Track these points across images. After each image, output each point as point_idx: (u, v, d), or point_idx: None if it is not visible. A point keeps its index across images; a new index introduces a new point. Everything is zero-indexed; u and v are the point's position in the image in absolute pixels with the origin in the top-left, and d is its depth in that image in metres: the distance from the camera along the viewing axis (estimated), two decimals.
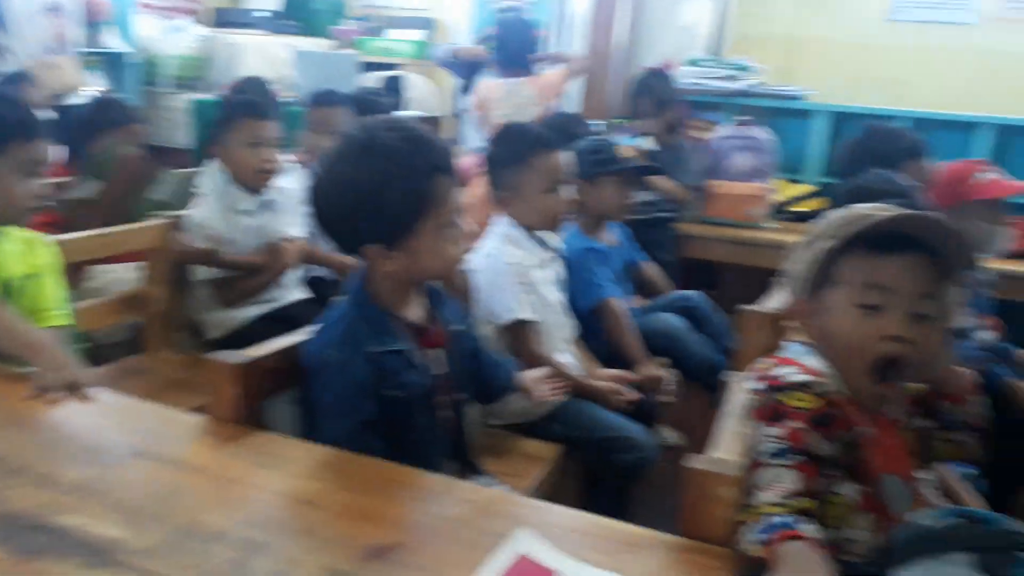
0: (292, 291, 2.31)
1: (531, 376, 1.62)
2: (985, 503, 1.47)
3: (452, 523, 0.98)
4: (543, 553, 0.92)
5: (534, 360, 1.83)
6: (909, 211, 1.03)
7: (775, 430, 0.99)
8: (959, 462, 1.74)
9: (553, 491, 1.89)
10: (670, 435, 2.74)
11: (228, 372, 1.17)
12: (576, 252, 2.18)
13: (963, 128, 3.51)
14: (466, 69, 4.15)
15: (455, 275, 1.41)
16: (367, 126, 1.23)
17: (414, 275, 1.27)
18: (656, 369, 2.15)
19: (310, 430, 1.23)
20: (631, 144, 3.08)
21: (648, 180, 3.05)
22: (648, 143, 3.19)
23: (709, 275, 4.04)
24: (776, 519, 0.87)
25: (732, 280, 3.54)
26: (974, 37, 3.97)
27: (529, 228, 1.94)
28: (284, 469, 1.08)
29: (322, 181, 1.23)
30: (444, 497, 1.04)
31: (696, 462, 0.94)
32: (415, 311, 1.31)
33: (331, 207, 1.23)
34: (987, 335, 2.23)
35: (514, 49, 3.63)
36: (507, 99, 3.55)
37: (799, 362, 1.09)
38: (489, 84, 3.67)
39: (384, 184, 1.17)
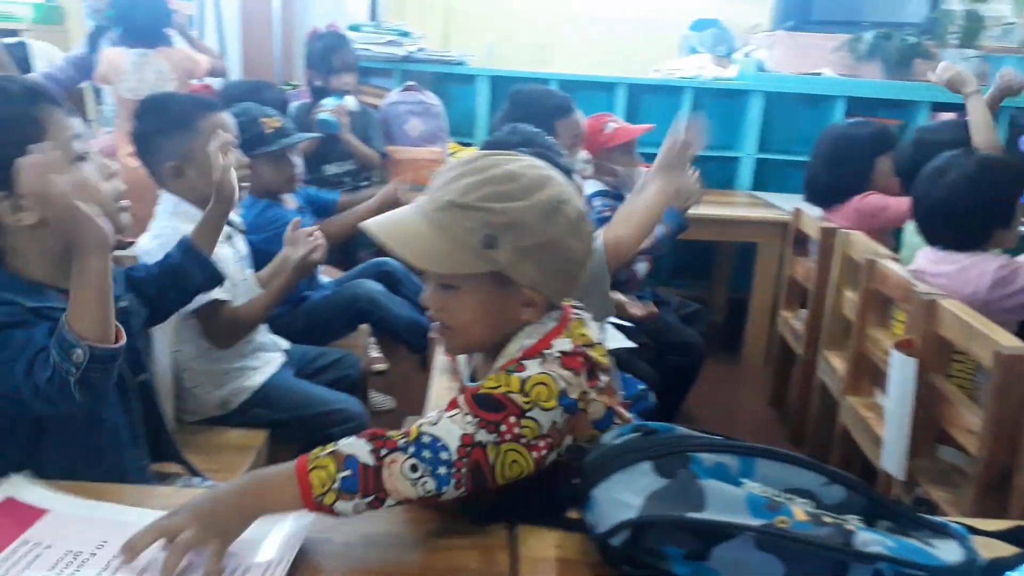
0: None
1: None
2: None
3: None
4: (32, 494, 0.90)
5: (232, 341, 1.77)
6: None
7: None
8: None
9: None
10: (381, 400, 2.79)
11: None
12: (260, 223, 2.09)
13: (604, 88, 3.91)
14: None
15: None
16: None
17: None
18: None
19: None
20: (338, 102, 3.02)
21: (351, 145, 3.03)
22: (352, 103, 3.14)
23: None
24: None
25: None
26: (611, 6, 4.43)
27: (199, 201, 1.69)
28: None
29: None
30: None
31: None
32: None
33: None
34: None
35: (140, 18, 3.23)
36: (135, 72, 3.18)
37: None
38: (114, 54, 3.19)
39: None
